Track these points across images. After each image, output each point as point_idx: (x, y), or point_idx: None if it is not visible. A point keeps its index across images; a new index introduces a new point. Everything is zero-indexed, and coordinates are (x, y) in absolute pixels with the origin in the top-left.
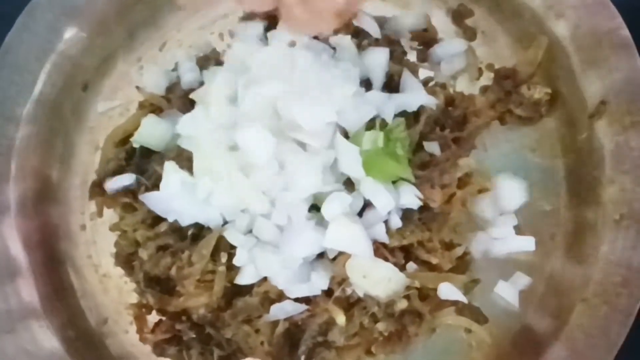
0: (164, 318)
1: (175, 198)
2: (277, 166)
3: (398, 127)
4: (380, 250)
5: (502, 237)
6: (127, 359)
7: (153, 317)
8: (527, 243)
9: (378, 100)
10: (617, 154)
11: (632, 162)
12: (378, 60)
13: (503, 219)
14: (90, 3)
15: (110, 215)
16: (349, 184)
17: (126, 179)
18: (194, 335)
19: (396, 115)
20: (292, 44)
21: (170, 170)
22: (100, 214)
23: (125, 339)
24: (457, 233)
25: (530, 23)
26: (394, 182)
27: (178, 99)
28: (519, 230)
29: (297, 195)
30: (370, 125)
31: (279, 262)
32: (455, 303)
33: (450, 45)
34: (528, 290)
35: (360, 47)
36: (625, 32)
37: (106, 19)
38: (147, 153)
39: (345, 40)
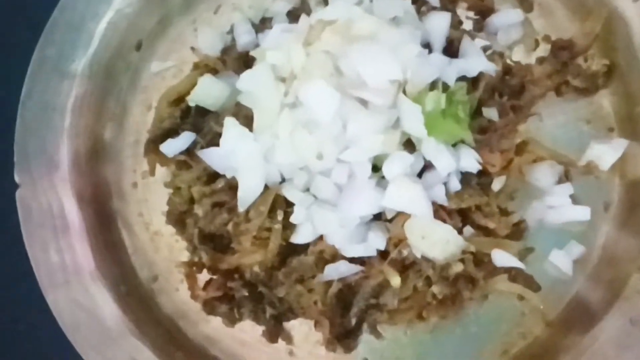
0: (214, 277)
1: (234, 154)
2: (341, 125)
3: (460, 90)
4: (439, 212)
5: (557, 206)
6: (178, 316)
7: (203, 276)
8: (582, 213)
9: (440, 63)
10: None
11: None
12: (439, 24)
13: (559, 188)
14: None
15: (162, 174)
16: (409, 145)
17: (184, 141)
18: (246, 294)
19: (456, 80)
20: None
21: (231, 126)
22: (152, 172)
23: (176, 297)
24: (513, 200)
25: None
26: (453, 145)
27: (234, 61)
28: (573, 199)
29: (359, 155)
30: (432, 87)
31: (336, 220)
32: (509, 270)
33: (507, 16)
34: (582, 260)
35: (419, 13)
36: None
37: None
38: (202, 112)
39: (406, 5)
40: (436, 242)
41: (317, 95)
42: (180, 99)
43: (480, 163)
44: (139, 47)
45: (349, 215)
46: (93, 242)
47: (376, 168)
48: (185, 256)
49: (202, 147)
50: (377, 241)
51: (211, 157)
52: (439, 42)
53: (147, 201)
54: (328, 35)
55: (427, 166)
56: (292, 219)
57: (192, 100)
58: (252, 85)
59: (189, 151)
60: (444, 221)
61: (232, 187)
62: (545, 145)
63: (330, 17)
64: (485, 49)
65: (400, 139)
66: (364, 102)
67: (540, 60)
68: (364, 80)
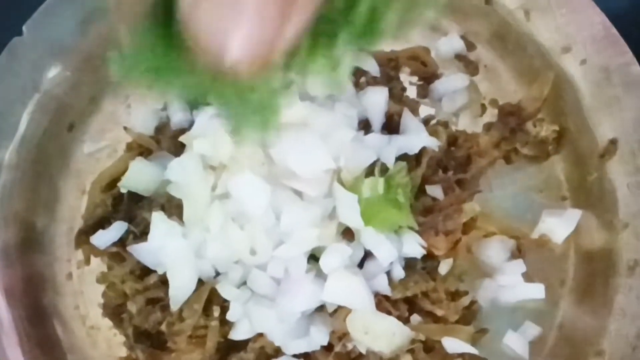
0: None
1: (163, 250)
2: (274, 217)
3: (400, 172)
4: (383, 303)
5: (510, 285)
6: None
7: None
8: (536, 290)
9: (378, 144)
10: (630, 196)
11: None
12: (377, 100)
13: (511, 265)
14: (76, 41)
15: (98, 263)
16: (349, 233)
17: (114, 232)
18: None
19: (397, 159)
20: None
21: (158, 221)
22: (87, 262)
23: None
24: (463, 281)
25: (535, 57)
26: (395, 231)
27: (168, 140)
28: (527, 276)
29: (293, 250)
30: (369, 170)
31: (275, 316)
32: (462, 355)
33: (452, 81)
34: (538, 340)
35: (357, 86)
36: (637, 68)
37: (92, 57)
38: (135, 198)
39: None
40: (381, 335)
41: (246, 187)
42: (113, 184)
43: (424, 247)
44: (70, 128)
45: (288, 310)
46: (25, 342)
47: (316, 258)
48: (124, 351)
49: (135, 237)
50: (319, 336)
51: (141, 252)
52: (377, 120)
53: (83, 293)
54: None
55: (368, 254)
56: (229, 316)
57: (124, 185)
58: (180, 175)
59: (122, 241)
60: (389, 313)
61: (166, 282)
62: (495, 218)
63: None
64: (429, 119)
65: (338, 229)
66: (298, 192)
67: (488, 127)
68: (295, 171)
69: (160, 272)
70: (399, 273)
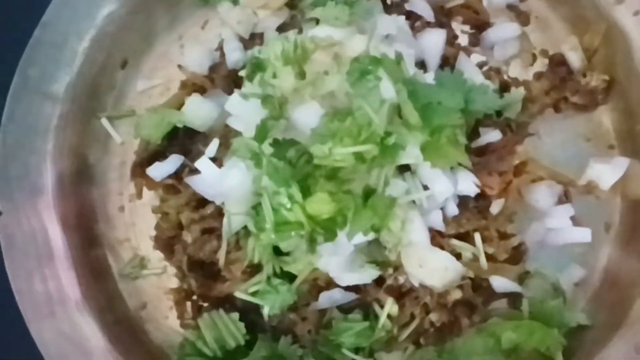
0: (205, 304)
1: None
2: None
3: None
4: (437, 238)
5: (557, 228)
6: (168, 345)
7: None
8: (583, 234)
9: None
10: None
11: None
12: (434, 42)
13: (559, 209)
14: None
15: (150, 197)
16: (406, 169)
17: (171, 164)
18: None
19: None
20: None
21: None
22: (140, 195)
23: (165, 325)
24: (512, 222)
25: (587, 8)
26: (451, 168)
27: (222, 80)
28: (574, 220)
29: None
30: None
31: (330, 248)
32: (508, 295)
33: (503, 30)
34: (583, 283)
35: (413, 29)
36: None
37: None
38: (191, 133)
39: (400, 21)
40: (434, 270)
41: (306, 115)
42: None
43: (478, 186)
44: (124, 66)
45: (343, 242)
46: (79, 270)
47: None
48: (174, 282)
49: (190, 170)
50: (372, 270)
51: (199, 183)
52: (434, 61)
53: (135, 225)
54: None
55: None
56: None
57: (181, 121)
58: (241, 108)
59: (178, 174)
60: (442, 248)
61: (222, 213)
62: (544, 164)
63: (321, 35)
64: (481, 64)
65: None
66: None
67: (538, 76)
68: None
69: (217, 202)
70: (452, 210)
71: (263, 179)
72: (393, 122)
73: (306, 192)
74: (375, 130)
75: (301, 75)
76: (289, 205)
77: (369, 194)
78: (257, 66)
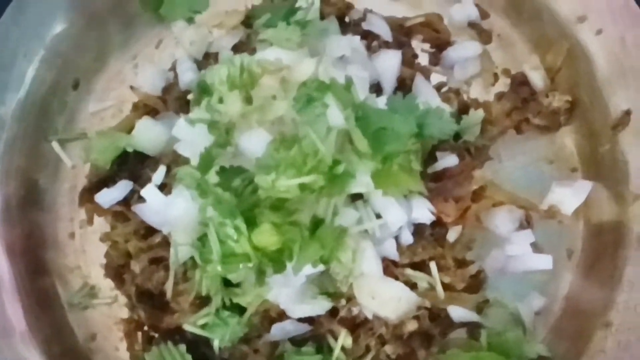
0: (156, 335)
1: (170, 208)
2: None
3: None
4: (391, 268)
5: (518, 255)
6: None
7: None
8: (544, 261)
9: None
10: None
11: None
12: (389, 63)
13: (519, 235)
14: None
15: (102, 223)
16: (358, 197)
17: (119, 190)
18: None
19: None
20: None
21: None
22: (90, 221)
23: (114, 357)
24: (471, 249)
25: (549, 27)
26: (405, 195)
27: (175, 101)
28: (535, 246)
29: None
30: None
31: (280, 279)
32: (467, 324)
33: (465, 49)
34: (544, 311)
35: (369, 49)
36: None
37: (100, 12)
38: (141, 157)
39: (355, 42)
40: (387, 301)
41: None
42: None
43: (433, 213)
44: (75, 86)
45: (293, 274)
46: (24, 300)
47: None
48: (125, 312)
49: (139, 197)
50: (324, 301)
51: (145, 211)
52: (389, 83)
53: (85, 252)
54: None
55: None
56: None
57: (130, 145)
58: (188, 134)
59: (127, 201)
60: (396, 278)
61: (169, 242)
62: (504, 189)
63: (270, 58)
64: (440, 85)
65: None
66: None
67: (499, 97)
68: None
69: (165, 231)
70: (407, 238)
71: (208, 209)
72: (343, 149)
73: (252, 223)
74: (322, 159)
75: (248, 100)
76: (235, 237)
77: (317, 224)
78: (204, 90)
